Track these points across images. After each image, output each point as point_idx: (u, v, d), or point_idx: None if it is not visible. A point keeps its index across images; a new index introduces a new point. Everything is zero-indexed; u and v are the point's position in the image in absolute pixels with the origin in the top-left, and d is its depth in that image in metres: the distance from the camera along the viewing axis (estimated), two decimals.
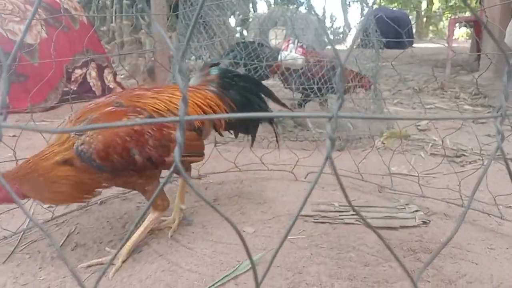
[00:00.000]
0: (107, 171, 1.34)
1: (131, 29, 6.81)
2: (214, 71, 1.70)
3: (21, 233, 1.59)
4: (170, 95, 1.49)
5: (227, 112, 1.61)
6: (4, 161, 2.14)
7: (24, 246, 1.54)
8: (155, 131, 1.37)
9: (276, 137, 1.94)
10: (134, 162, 1.34)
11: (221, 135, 1.79)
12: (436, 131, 3.20)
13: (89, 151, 1.29)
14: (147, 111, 1.38)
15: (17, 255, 1.48)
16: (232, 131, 1.82)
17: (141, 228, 1.47)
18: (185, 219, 1.70)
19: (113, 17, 7.10)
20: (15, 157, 1.63)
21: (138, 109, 1.37)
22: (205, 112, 1.54)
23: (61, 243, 1.54)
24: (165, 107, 1.43)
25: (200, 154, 1.61)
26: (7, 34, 3.99)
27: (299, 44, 2.73)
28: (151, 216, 1.49)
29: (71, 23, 4.42)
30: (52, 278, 1.35)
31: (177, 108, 1.44)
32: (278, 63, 2.84)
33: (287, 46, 2.76)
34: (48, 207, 1.82)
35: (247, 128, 1.86)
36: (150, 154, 1.35)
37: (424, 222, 1.72)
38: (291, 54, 2.73)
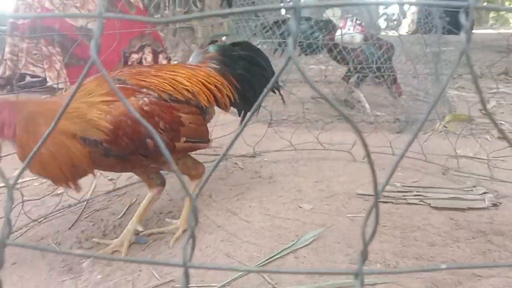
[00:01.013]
0: (114, 155, 1.22)
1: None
2: (213, 48, 1.60)
3: (85, 202, 1.64)
4: (173, 73, 1.39)
5: (230, 89, 1.53)
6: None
7: (88, 214, 1.59)
8: (165, 114, 1.28)
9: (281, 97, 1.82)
10: (145, 146, 1.24)
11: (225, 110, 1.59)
12: (502, 116, 3.02)
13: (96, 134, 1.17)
14: (154, 91, 1.29)
15: (82, 222, 1.53)
16: (236, 109, 1.65)
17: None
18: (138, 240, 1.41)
19: (167, 4, 7.22)
20: None
21: (145, 89, 1.28)
22: (210, 91, 1.45)
23: (123, 213, 1.58)
24: (171, 86, 1.34)
25: (206, 141, 1.46)
26: (68, 19, 4.15)
27: (357, 22, 2.64)
28: (193, 185, 1.48)
29: (128, 8, 4.52)
30: None
31: (184, 88, 1.36)
32: (332, 36, 2.77)
33: (345, 24, 2.67)
34: (111, 179, 1.87)
35: (252, 103, 1.61)
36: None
37: (494, 205, 1.61)
38: (349, 32, 2.65)
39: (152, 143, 1.24)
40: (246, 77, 1.58)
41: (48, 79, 4.09)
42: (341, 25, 2.71)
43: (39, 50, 4.18)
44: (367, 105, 2.92)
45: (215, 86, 1.48)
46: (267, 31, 2.87)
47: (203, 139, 1.45)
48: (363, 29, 2.70)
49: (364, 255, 0.37)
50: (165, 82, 1.34)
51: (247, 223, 1.48)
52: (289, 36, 0.31)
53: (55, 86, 4.07)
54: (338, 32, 2.67)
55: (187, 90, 1.37)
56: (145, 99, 1.26)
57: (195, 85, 1.41)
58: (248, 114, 0.36)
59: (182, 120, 1.33)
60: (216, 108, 1.55)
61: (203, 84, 1.44)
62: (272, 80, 0.34)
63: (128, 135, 1.20)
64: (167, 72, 1.39)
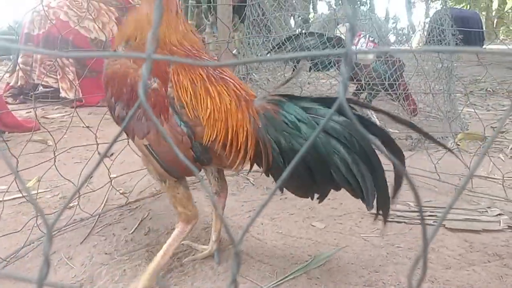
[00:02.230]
0: None
1: (195, 29, 6.97)
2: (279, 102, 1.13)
3: (97, 216, 1.65)
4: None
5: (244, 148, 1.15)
6: (78, 146, 2.25)
7: (100, 228, 1.59)
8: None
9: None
10: None
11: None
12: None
13: None
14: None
15: (94, 237, 1.53)
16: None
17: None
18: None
19: None
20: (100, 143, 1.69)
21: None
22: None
23: (135, 228, 1.58)
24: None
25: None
26: (82, 31, 4.21)
27: (370, 39, 2.65)
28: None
29: None
30: (125, 259, 1.38)
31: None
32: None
33: (358, 41, 2.68)
34: (123, 192, 1.87)
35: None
36: None
37: (510, 227, 1.59)
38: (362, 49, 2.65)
39: None
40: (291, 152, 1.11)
41: (61, 90, 4.13)
42: (354, 41, 2.71)
43: (53, 61, 4.22)
44: (378, 122, 2.91)
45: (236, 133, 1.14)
46: (279, 46, 2.89)
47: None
48: (376, 46, 2.71)
49: None
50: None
51: (259, 241, 1.47)
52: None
53: (68, 97, 4.12)
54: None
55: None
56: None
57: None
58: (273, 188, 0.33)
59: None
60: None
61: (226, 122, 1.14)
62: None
63: None
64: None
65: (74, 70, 4.18)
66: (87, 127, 2.23)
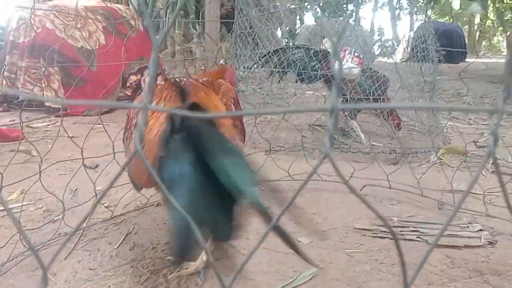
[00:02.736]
0: None
1: (182, 38, 6.99)
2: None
3: (81, 230, 1.64)
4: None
5: None
6: (65, 160, 2.23)
7: (85, 243, 1.57)
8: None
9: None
10: None
11: None
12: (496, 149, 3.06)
13: None
14: None
15: (78, 252, 1.51)
16: None
17: None
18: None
19: (165, 27, 7.30)
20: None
21: None
22: None
23: (119, 242, 1.57)
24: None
25: None
26: (69, 40, 4.18)
27: (355, 54, 2.70)
28: None
29: (129, 31, 4.57)
30: (110, 275, 1.37)
31: None
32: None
33: (344, 56, 2.72)
34: (107, 206, 1.86)
35: None
36: None
37: (490, 243, 1.62)
38: (347, 64, 2.70)
39: None
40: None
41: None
42: (340, 56, 2.76)
43: (38, 69, 4.19)
44: (362, 136, 2.96)
45: None
46: (267, 60, 2.93)
47: None
48: (361, 61, 2.76)
49: None
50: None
51: (245, 256, 1.48)
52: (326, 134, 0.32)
53: (53, 105, 4.09)
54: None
55: None
56: None
57: None
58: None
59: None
60: None
61: None
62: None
63: None
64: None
65: (59, 79, 4.15)
66: (71, 137, 2.21)
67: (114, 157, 1.78)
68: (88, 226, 1.69)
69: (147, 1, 7.67)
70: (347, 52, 2.72)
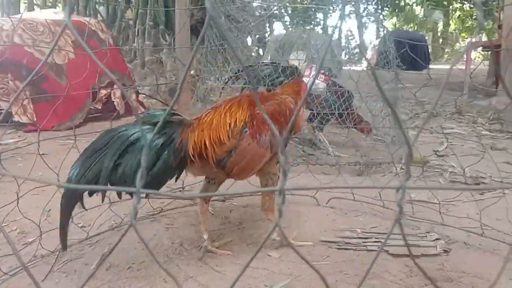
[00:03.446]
0: None
1: (152, 49, 7.00)
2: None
3: (58, 253, 1.67)
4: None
5: None
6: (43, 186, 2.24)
7: (61, 265, 1.62)
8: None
9: None
10: None
11: None
12: (454, 157, 3.24)
13: None
14: None
15: (55, 274, 1.56)
16: None
17: None
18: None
19: (135, 37, 7.30)
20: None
21: None
22: None
23: (95, 263, 1.62)
24: None
25: None
26: (37, 54, 4.16)
27: (321, 71, 2.82)
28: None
29: (98, 45, 4.58)
30: None
31: None
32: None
33: (310, 72, 2.85)
34: (82, 226, 1.90)
35: None
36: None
37: (445, 251, 1.75)
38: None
39: None
40: None
41: (14, 113, 4.06)
42: (306, 73, 2.88)
43: (6, 84, 4.15)
44: (329, 148, 3.09)
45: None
46: (237, 77, 3.02)
47: None
48: (327, 78, 2.89)
49: None
50: None
51: (218, 273, 1.56)
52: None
53: (21, 120, 4.05)
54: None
55: None
56: None
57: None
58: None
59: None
60: None
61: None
62: None
63: None
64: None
65: (28, 94, 4.11)
66: (41, 154, 2.23)
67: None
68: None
69: (116, 12, 7.65)
70: (313, 69, 2.85)
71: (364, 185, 2.36)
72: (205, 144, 1.56)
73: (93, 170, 1.43)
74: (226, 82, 3.33)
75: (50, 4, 8.25)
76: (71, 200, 1.44)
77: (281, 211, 0.44)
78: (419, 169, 2.89)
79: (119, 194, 1.60)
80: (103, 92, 4.57)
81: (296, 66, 3.08)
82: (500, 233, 1.85)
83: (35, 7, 7.73)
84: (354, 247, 1.76)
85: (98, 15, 7.39)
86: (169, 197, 2.17)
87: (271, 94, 1.84)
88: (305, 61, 3.63)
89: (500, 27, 7.04)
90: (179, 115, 1.63)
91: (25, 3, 7.08)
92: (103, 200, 1.57)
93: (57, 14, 4.67)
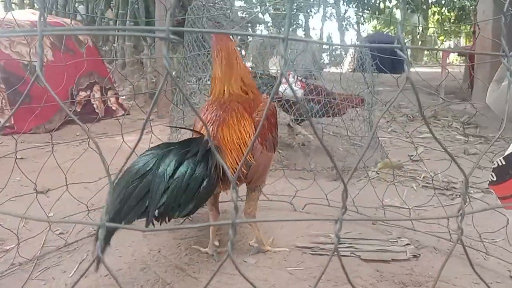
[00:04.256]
0: None
1: (133, 50, 6.97)
2: None
3: (36, 260, 1.69)
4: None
5: None
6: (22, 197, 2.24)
7: (39, 272, 1.63)
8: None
9: None
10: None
11: None
12: (428, 162, 3.34)
13: None
14: None
15: (33, 282, 1.57)
16: None
17: None
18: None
19: (116, 38, 7.25)
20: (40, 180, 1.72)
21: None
22: None
23: (74, 270, 1.64)
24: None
25: None
26: (14, 56, 4.12)
27: (298, 78, 2.88)
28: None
29: (77, 47, 4.55)
30: None
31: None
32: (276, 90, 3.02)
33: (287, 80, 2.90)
34: (60, 233, 1.91)
35: None
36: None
37: (415, 256, 1.83)
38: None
39: None
40: None
41: None
42: (284, 80, 2.94)
43: None
44: (309, 136, 3.16)
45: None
46: None
47: None
48: (304, 85, 2.95)
49: None
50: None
51: (196, 280, 1.59)
52: None
53: None
54: (281, 87, 2.90)
55: None
56: None
57: None
58: None
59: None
60: None
61: None
62: None
63: None
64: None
65: (5, 96, 4.07)
66: (16, 159, 2.22)
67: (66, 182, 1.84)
68: (42, 254, 1.74)
69: (95, 12, 7.58)
70: (290, 76, 2.90)
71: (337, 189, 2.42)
72: (237, 164, 1.62)
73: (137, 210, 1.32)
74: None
75: (27, 2, 8.13)
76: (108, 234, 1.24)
77: (233, 242, 0.48)
78: (395, 174, 2.98)
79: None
80: (82, 94, 4.55)
81: (274, 76, 3.15)
82: (467, 238, 1.93)
83: (13, 6, 7.60)
84: (328, 253, 1.82)
85: (77, 15, 7.32)
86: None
87: (252, 95, 1.86)
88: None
89: (474, 32, 7.23)
90: (201, 134, 1.62)
91: (2, 1, 6.95)
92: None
93: (35, 14, 4.62)
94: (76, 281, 0.53)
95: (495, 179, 1.20)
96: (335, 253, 0.52)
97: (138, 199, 1.30)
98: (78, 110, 4.49)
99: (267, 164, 1.77)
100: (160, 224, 1.43)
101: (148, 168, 1.35)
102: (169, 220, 1.44)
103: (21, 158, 3.13)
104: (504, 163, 1.16)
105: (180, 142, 1.53)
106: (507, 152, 1.18)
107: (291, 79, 2.89)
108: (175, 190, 1.36)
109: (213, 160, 1.49)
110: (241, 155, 1.64)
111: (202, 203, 1.52)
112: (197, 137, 1.60)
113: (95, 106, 4.66)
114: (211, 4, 3.69)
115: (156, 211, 1.32)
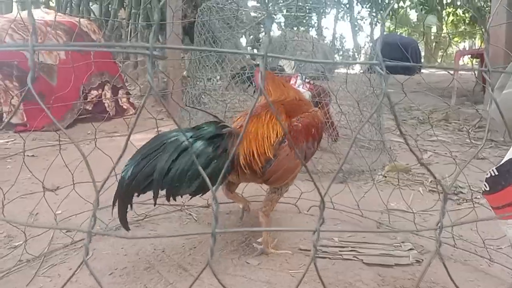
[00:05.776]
0: None
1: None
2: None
3: (43, 257, 1.72)
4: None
5: None
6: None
7: (46, 269, 1.66)
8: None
9: None
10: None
11: None
12: (436, 166, 3.32)
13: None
14: None
15: (39, 278, 1.60)
16: None
17: None
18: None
19: (128, 36, 7.33)
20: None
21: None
22: None
23: (79, 268, 1.66)
24: None
25: None
26: (28, 55, 4.19)
27: (306, 80, 2.89)
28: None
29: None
30: None
31: None
32: None
33: (295, 82, 2.91)
34: (67, 231, 1.95)
35: None
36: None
37: (417, 261, 1.82)
38: (299, 89, 2.89)
39: None
40: None
41: (4, 114, 4.08)
42: (292, 82, 2.95)
43: None
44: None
45: None
46: (234, 76, 3.13)
47: None
48: (312, 87, 2.95)
49: None
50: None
51: (199, 279, 1.61)
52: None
53: (11, 121, 4.07)
54: None
55: None
56: None
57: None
58: None
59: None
60: None
61: None
62: None
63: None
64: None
65: (18, 95, 4.14)
66: (30, 156, 2.27)
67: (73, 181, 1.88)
68: (49, 251, 1.78)
69: (110, 11, 7.67)
70: (298, 78, 2.91)
71: (343, 192, 2.43)
72: (253, 154, 1.67)
73: (146, 171, 1.49)
74: (233, 78, 3.45)
75: (43, 1, 8.25)
76: (125, 197, 1.53)
77: (213, 251, 0.49)
78: (402, 177, 2.97)
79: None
80: (94, 93, 4.61)
81: (283, 68, 3.17)
82: (471, 244, 1.92)
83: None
84: (330, 256, 1.83)
85: (91, 14, 7.41)
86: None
87: (302, 103, 1.93)
88: (293, 68, 3.70)
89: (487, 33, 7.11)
90: (228, 126, 1.72)
91: (15, 1, 7.06)
92: (155, 203, 1.61)
93: (48, 14, 4.69)
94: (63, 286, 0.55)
95: (488, 189, 1.20)
96: (313, 262, 0.53)
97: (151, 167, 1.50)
98: (90, 109, 4.54)
99: (290, 170, 1.75)
100: (168, 201, 1.57)
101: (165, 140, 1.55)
102: (175, 197, 1.57)
103: (33, 156, 3.19)
104: (497, 173, 1.16)
105: (199, 125, 1.66)
106: (501, 162, 1.18)
107: (298, 81, 2.90)
108: (182, 163, 1.51)
109: (223, 143, 1.60)
110: (259, 147, 1.68)
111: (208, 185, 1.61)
112: (217, 121, 1.70)
113: (106, 105, 4.71)
114: (221, 5, 3.73)
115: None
